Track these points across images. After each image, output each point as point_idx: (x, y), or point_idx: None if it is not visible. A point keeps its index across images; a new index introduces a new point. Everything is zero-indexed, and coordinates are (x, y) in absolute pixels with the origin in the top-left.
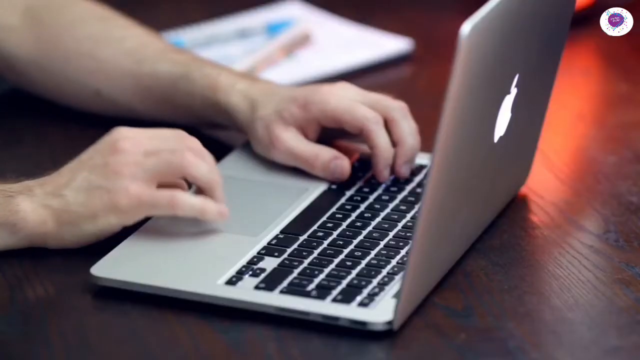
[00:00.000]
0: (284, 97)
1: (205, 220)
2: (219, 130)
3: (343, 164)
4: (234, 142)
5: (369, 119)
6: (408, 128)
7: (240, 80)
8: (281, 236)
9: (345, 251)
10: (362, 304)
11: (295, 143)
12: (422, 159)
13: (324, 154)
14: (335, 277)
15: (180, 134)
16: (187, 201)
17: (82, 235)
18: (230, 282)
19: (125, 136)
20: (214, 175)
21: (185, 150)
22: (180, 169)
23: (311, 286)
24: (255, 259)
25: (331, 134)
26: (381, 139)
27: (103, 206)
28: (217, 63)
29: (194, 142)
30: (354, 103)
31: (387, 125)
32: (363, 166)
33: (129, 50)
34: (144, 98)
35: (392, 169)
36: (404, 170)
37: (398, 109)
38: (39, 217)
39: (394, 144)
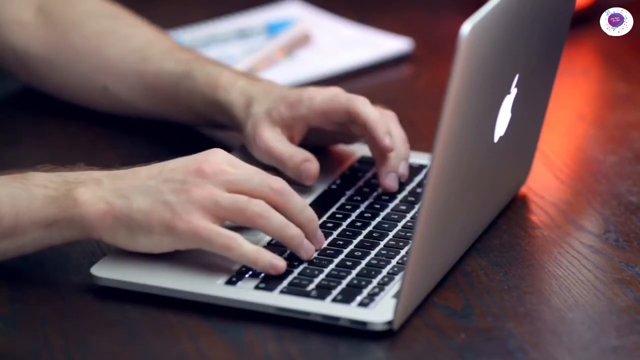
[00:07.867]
0: (277, 97)
1: (257, 270)
2: (219, 130)
3: (311, 167)
4: (234, 142)
5: (353, 99)
6: (398, 135)
7: (241, 78)
8: None
9: (345, 251)
10: (362, 304)
11: (274, 143)
12: (422, 159)
13: (298, 155)
14: (335, 277)
15: (269, 180)
16: (241, 249)
17: (135, 243)
18: (230, 282)
19: (216, 160)
20: (287, 231)
21: (265, 199)
22: (250, 221)
23: (311, 286)
24: None
25: (330, 137)
26: (370, 112)
27: (161, 223)
28: (221, 62)
29: (280, 186)
30: (338, 91)
31: None
32: (363, 166)
33: (135, 48)
34: (148, 96)
35: (379, 181)
36: (389, 180)
37: (387, 117)
38: (98, 212)
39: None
